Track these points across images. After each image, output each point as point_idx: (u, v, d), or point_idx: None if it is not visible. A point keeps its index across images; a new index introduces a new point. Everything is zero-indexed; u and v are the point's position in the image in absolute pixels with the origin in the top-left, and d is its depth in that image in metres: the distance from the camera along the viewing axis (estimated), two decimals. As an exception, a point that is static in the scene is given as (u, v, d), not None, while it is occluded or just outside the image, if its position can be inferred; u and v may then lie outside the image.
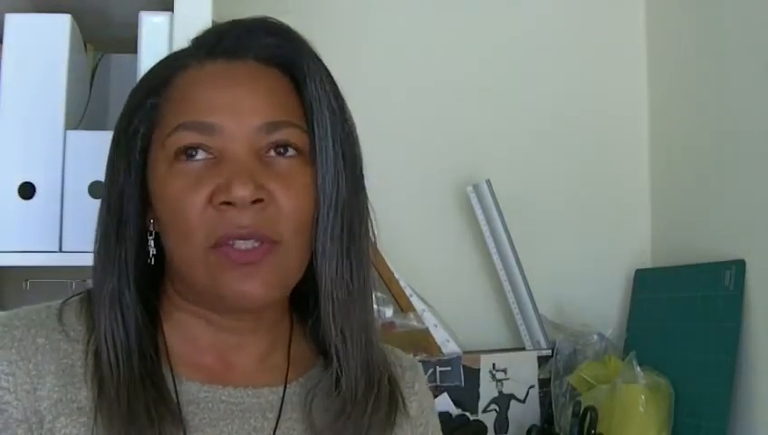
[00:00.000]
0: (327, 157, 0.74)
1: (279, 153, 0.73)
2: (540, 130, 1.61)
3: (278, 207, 0.71)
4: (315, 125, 0.74)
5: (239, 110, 0.72)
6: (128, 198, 0.74)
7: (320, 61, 0.76)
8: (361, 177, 0.77)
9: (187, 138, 0.72)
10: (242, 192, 0.69)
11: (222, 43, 0.76)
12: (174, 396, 0.72)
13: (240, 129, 0.72)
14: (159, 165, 0.73)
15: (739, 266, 1.30)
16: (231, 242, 0.70)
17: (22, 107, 1.06)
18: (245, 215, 0.69)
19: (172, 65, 0.77)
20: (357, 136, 0.77)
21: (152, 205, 0.74)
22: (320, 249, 0.74)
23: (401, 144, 1.52)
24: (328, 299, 0.75)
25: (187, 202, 0.70)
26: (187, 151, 0.72)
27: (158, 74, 0.77)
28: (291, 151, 0.73)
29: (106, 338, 0.71)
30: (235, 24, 0.77)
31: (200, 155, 0.71)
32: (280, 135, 0.73)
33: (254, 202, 0.70)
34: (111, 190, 0.75)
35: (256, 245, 0.71)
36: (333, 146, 0.74)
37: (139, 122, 0.75)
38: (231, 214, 0.69)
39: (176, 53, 0.79)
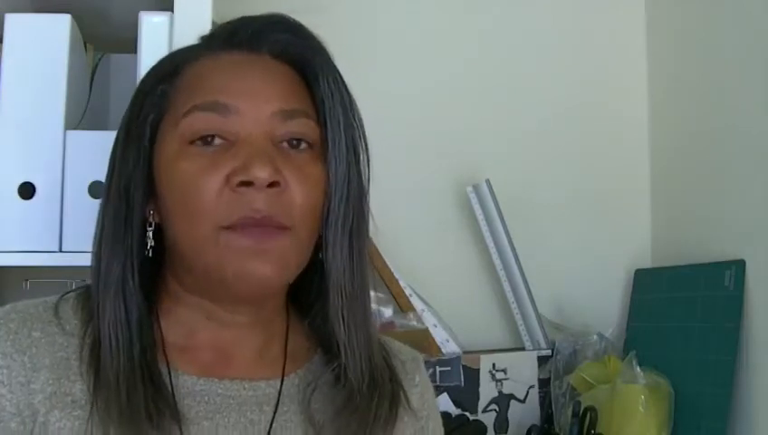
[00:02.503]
0: (339, 151, 0.75)
1: (292, 146, 0.74)
2: (540, 130, 1.61)
3: (291, 196, 0.72)
4: (328, 120, 0.75)
5: (255, 95, 0.73)
6: (135, 186, 0.74)
7: (330, 59, 0.77)
8: (367, 174, 0.79)
9: (203, 119, 0.72)
10: (261, 173, 0.69)
11: (236, 36, 0.76)
12: (170, 389, 0.72)
13: (256, 113, 0.72)
14: (170, 146, 0.73)
15: (739, 266, 1.30)
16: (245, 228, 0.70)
17: (22, 107, 1.06)
18: (261, 198, 0.70)
19: (184, 56, 0.78)
20: (365, 134, 0.78)
21: (156, 194, 0.74)
22: (330, 240, 0.75)
23: (401, 144, 1.52)
24: (336, 291, 0.76)
25: (202, 183, 0.70)
26: (204, 137, 0.72)
27: (168, 64, 0.78)
28: (303, 145, 0.74)
29: (109, 325, 0.71)
30: (249, 20, 0.77)
31: (216, 141, 0.72)
32: (294, 125, 0.74)
33: (271, 185, 0.70)
34: (120, 178, 0.74)
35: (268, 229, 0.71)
36: (345, 141, 0.75)
37: (149, 109, 0.75)
38: (248, 196, 0.70)
39: (186, 47, 0.80)
